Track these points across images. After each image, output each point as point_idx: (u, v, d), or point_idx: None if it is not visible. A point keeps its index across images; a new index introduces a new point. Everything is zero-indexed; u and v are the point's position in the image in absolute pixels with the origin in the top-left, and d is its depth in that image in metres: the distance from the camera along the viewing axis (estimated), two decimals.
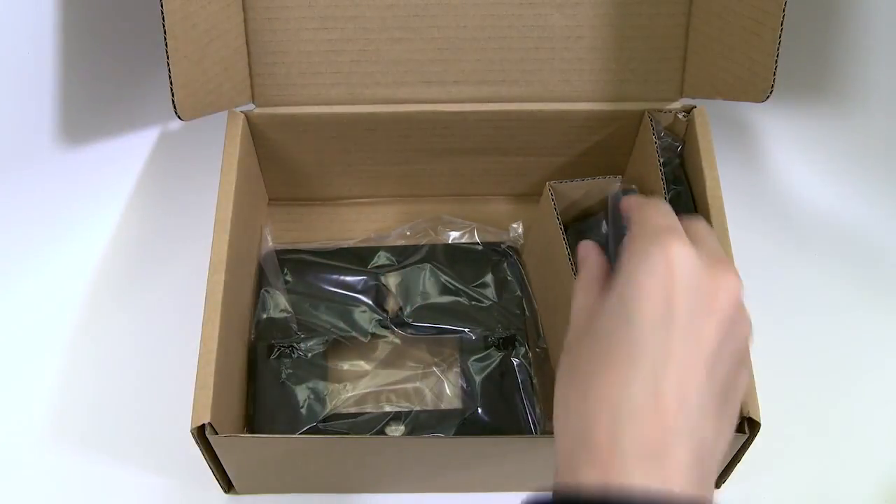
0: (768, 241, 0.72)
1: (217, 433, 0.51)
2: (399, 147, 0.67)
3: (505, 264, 0.67)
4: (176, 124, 0.74)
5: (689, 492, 0.36)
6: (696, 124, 0.62)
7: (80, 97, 0.68)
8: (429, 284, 0.66)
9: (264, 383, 0.62)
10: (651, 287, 0.39)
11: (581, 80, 0.63)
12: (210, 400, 0.51)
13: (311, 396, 0.61)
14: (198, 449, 0.53)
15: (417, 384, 0.63)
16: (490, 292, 0.66)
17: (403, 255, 0.67)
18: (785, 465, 0.62)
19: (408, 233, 0.69)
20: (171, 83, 0.56)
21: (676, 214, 0.43)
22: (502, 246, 0.68)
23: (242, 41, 0.61)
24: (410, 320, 0.64)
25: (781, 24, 0.55)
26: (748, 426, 0.51)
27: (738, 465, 0.56)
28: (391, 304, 0.65)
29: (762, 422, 0.51)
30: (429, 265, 0.66)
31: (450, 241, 0.69)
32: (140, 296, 0.69)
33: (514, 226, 0.69)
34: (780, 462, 0.62)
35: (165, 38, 0.55)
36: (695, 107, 0.63)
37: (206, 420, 0.50)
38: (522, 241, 0.69)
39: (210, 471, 0.57)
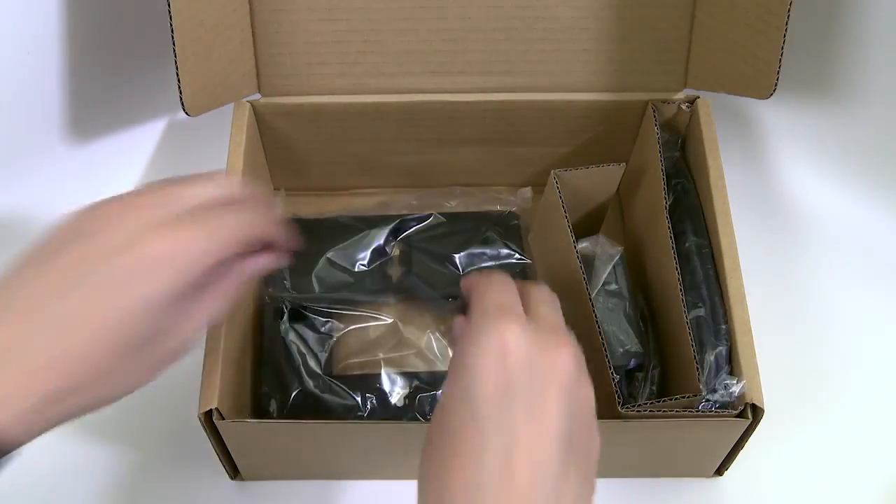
0: (770, 234, 0.72)
1: (224, 418, 0.52)
2: (404, 137, 0.67)
3: (506, 231, 0.67)
4: (183, 114, 0.75)
5: None
6: (699, 115, 0.62)
7: (87, 89, 0.68)
8: (433, 247, 0.65)
9: (270, 345, 0.62)
10: (487, 371, 0.40)
11: (585, 70, 0.63)
12: (217, 385, 0.51)
13: (315, 358, 0.61)
14: (204, 435, 0.53)
15: (421, 346, 0.63)
16: (491, 255, 0.65)
17: (409, 224, 0.67)
18: (787, 452, 0.63)
19: (414, 202, 0.68)
20: (178, 80, 0.57)
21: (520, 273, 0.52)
22: (509, 211, 0.68)
23: (248, 33, 0.62)
24: (412, 273, 0.64)
25: (786, 24, 0.55)
26: (752, 412, 0.52)
27: (742, 450, 0.56)
28: (394, 271, 0.65)
29: (766, 411, 0.51)
30: (433, 232, 0.66)
31: (455, 210, 0.68)
32: None
33: (523, 190, 0.69)
34: (782, 450, 0.63)
35: (173, 37, 0.55)
36: (698, 97, 0.63)
37: (213, 405, 0.51)
38: (530, 206, 0.69)
39: (216, 456, 0.57)
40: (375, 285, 0.65)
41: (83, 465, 0.62)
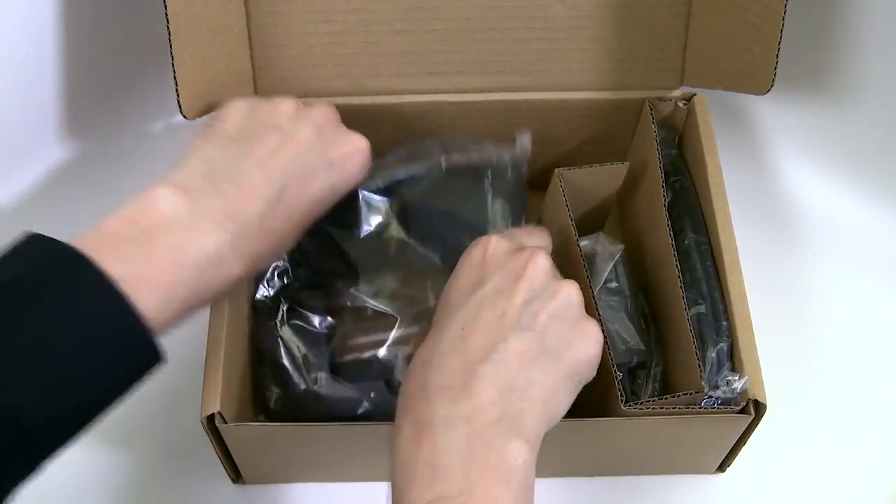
0: (768, 230, 0.73)
1: (226, 422, 0.52)
2: (402, 137, 0.67)
3: (503, 182, 0.61)
4: (180, 117, 0.75)
5: (493, 422, 0.41)
6: (696, 112, 0.62)
7: (84, 93, 0.68)
8: (431, 205, 0.61)
9: (268, 344, 0.60)
10: (465, 272, 0.47)
11: (582, 69, 0.63)
12: (219, 389, 0.51)
13: (315, 353, 0.59)
14: (206, 439, 0.53)
15: (423, 324, 0.59)
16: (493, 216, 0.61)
17: (402, 182, 0.61)
18: (790, 448, 0.63)
19: (404, 155, 0.62)
20: (175, 83, 0.56)
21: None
22: (505, 158, 0.62)
23: (245, 36, 0.61)
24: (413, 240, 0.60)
25: (783, 19, 0.55)
26: (754, 408, 0.52)
27: (744, 447, 0.56)
28: (392, 235, 0.60)
29: (768, 407, 0.52)
30: (429, 188, 0.61)
31: (449, 164, 0.62)
32: None
33: (520, 135, 0.62)
34: (785, 446, 0.63)
35: (170, 40, 0.55)
36: (695, 94, 0.63)
37: (216, 409, 0.51)
38: (529, 155, 0.63)
39: (219, 460, 0.57)
40: (373, 258, 0.61)
41: (85, 469, 0.62)
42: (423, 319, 0.60)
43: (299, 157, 0.49)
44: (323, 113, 0.52)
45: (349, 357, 0.60)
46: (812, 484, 0.62)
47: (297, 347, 0.60)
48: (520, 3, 0.61)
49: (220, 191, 0.45)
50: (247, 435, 0.54)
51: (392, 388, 0.59)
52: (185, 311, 0.44)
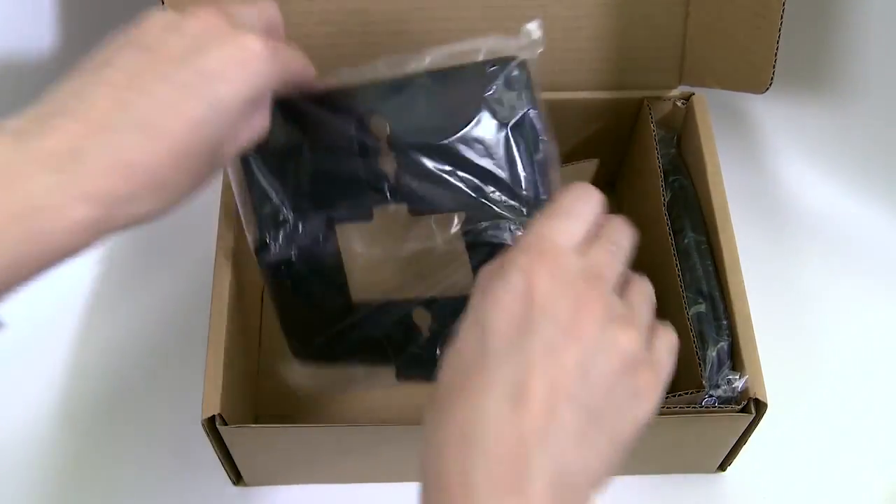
0: (768, 229, 0.73)
1: (227, 424, 0.51)
2: None
3: (505, 95, 0.51)
4: None
5: None
6: (694, 111, 0.62)
7: None
8: (419, 126, 0.51)
9: (284, 301, 0.56)
10: (506, 307, 0.37)
11: (580, 69, 0.64)
12: (220, 391, 0.51)
13: (331, 301, 0.55)
14: (206, 440, 0.53)
15: (433, 259, 0.53)
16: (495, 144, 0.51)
17: (384, 101, 0.52)
18: (790, 447, 0.63)
19: (383, 68, 0.53)
20: None
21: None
22: (510, 62, 0.51)
23: None
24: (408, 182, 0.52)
25: (781, 17, 0.55)
26: (755, 407, 0.52)
27: (745, 446, 0.56)
28: (387, 162, 0.53)
29: (769, 406, 0.52)
30: (414, 104, 0.51)
31: (433, 66, 0.51)
32: (148, 286, 0.69)
33: (531, 27, 0.49)
34: (785, 445, 0.63)
35: None
36: (693, 94, 0.63)
37: (217, 411, 0.51)
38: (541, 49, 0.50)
39: (219, 462, 0.57)
40: (374, 194, 0.53)
41: (86, 472, 0.62)
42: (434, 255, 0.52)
43: (165, 74, 0.40)
44: (204, 17, 0.42)
45: (364, 298, 0.55)
46: (812, 483, 0.62)
47: (314, 300, 0.56)
48: (518, 3, 0.61)
49: (53, 127, 0.38)
50: (247, 437, 0.54)
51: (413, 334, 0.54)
52: (21, 269, 0.38)
